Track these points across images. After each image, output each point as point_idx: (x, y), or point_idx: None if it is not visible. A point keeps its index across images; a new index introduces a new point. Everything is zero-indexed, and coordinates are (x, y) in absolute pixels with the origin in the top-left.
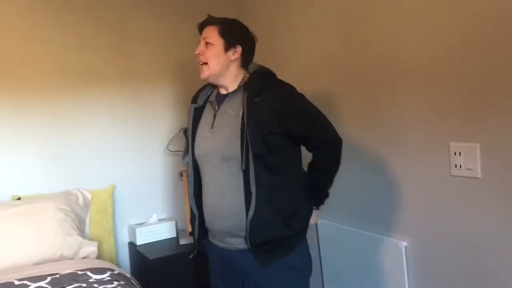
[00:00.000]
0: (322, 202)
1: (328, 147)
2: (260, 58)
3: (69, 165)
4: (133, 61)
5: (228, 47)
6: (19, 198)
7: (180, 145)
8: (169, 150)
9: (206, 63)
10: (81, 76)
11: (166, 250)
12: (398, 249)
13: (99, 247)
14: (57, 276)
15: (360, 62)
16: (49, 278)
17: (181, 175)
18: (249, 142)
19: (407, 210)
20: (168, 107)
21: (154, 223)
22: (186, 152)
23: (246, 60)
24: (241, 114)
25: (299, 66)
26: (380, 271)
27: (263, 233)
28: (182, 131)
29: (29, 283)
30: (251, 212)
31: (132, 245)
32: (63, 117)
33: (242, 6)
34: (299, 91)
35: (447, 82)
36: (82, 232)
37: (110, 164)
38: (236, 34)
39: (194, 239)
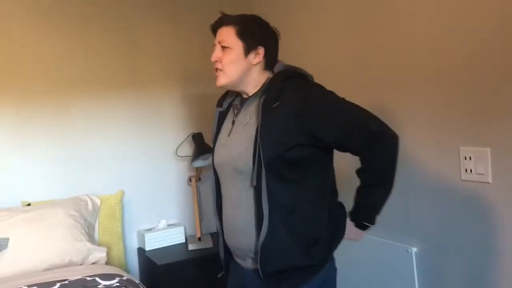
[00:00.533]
0: (368, 219)
1: (378, 146)
2: None
3: (78, 171)
4: (141, 66)
5: (248, 50)
6: (28, 204)
7: (189, 150)
8: (178, 156)
9: (222, 70)
10: (88, 82)
11: (175, 255)
12: (408, 254)
13: (108, 253)
14: (66, 282)
15: (369, 65)
16: (58, 284)
17: (190, 180)
18: (261, 155)
19: (417, 215)
20: (176, 112)
21: (163, 228)
22: (195, 157)
23: (269, 61)
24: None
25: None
26: (389, 277)
27: (278, 261)
28: (190, 136)
29: None
30: (262, 234)
31: (141, 250)
32: (72, 123)
33: (249, 6)
34: None
35: (456, 86)
36: (91, 238)
37: (119, 169)
38: (257, 34)
39: (219, 256)
